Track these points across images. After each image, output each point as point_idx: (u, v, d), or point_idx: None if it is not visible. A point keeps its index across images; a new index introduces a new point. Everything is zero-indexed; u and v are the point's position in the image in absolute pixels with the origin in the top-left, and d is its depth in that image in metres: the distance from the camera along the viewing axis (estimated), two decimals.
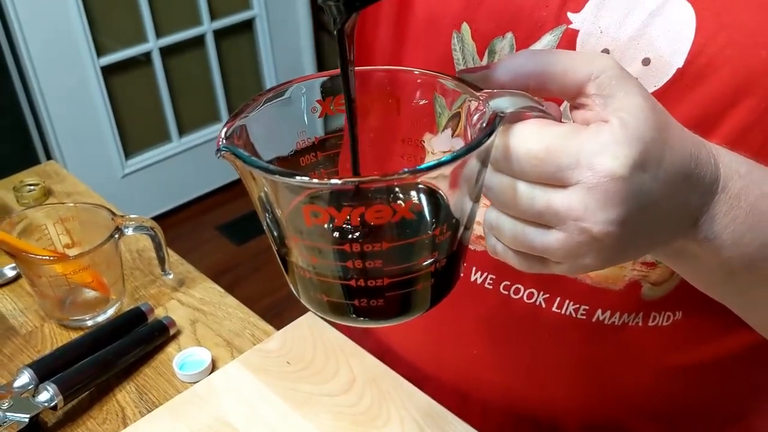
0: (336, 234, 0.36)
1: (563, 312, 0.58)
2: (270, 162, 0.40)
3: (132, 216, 0.78)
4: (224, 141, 0.36)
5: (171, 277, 0.83)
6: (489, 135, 0.34)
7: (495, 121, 0.34)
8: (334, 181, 0.34)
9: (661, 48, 0.49)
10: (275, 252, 0.40)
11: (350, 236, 0.35)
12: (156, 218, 0.78)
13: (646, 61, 0.50)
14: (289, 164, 0.42)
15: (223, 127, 0.38)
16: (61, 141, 2.15)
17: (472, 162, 0.35)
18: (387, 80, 0.42)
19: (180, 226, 2.32)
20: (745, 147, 0.48)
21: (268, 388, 0.69)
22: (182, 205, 2.52)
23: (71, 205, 0.82)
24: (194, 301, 0.82)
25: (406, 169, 0.32)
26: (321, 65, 2.77)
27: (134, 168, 2.38)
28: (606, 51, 0.51)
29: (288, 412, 0.66)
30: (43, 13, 1.96)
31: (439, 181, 0.35)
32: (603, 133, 0.35)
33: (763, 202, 0.41)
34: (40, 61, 2.00)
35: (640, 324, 0.57)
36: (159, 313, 0.79)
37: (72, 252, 0.79)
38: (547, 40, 0.53)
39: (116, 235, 0.76)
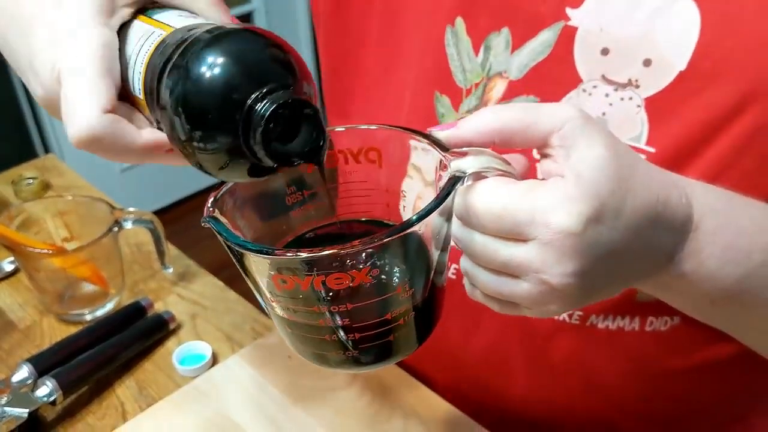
0: (305, 298, 0.38)
1: (557, 317, 0.57)
2: (264, 217, 0.43)
3: (131, 209, 0.77)
4: (209, 209, 0.39)
5: (171, 271, 0.82)
6: (440, 202, 0.36)
7: (449, 187, 0.37)
8: (293, 254, 0.36)
9: (664, 49, 0.48)
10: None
11: (319, 299, 0.38)
12: (155, 213, 0.77)
13: (647, 62, 0.49)
14: (282, 219, 0.44)
15: (211, 196, 0.40)
16: (60, 135, 2.14)
17: (432, 221, 0.37)
18: (370, 138, 0.43)
19: (179, 222, 2.31)
20: (752, 154, 0.48)
21: (270, 382, 0.68)
22: (181, 200, 2.51)
23: (70, 198, 0.81)
24: (194, 295, 0.81)
25: (357, 242, 0.34)
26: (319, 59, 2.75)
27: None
28: (606, 50, 0.50)
29: (289, 406, 0.66)
30: None
31: (402, 239, 0.37)
32: (558, 189, 0.36)
33: (739, 239, 0.42)
34: None
35: (637, 329, 0.56)
36: (159, 307, 0.79)
37: (71, 245, 0.78)
38: (545, 36, 0.52)
39: (115, 229, 0.75)
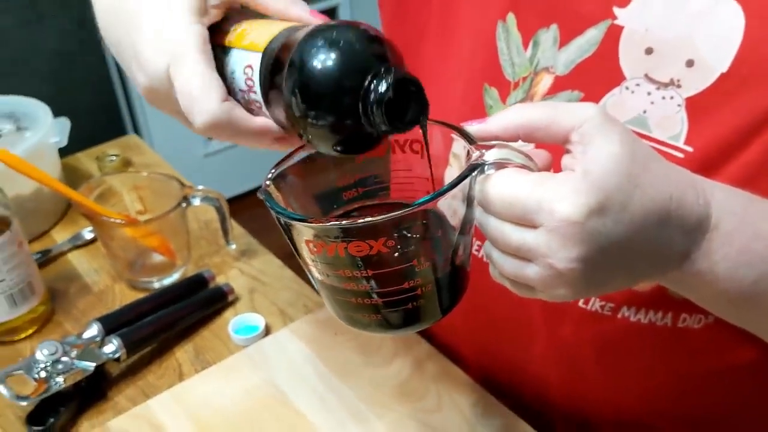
0: (333, 262, 0.43)
1: (589, 307, 0.58)
2: (317, 196, 0.49)
3: (200, 187, 0.83)
4: (266, 184, 0.44)
5: (234, 247, 0.87)
6: (454, 185, 0.40)
7: (467, 172, 0.40)
8: (322, 223, 0.43)
9: (706, 51, 0.49)
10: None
11: (345, 264, 0.42)
12: (232, 199, 0.82)
13: (689, 63, 0.50)
14: (334, 199, 0.50)
15: (269, 173, 0.45)
16: (150, 117, 2.25)
17: (449, 202, 0.41)
18: (417, 130, 0.47)
19: (254, 208, 2.39)
20: None
21: (316, 354, 0.72)
22: (254, 189, 2.59)
23: (145, 174, 0.87)
24: (254, 271, 0.86)
25: (376, 215, 0.39)
26: None
27: (216, 148, 2.46)
28: (650, 50, 0.51)
29: (331, 378, 0.69)
30: None
31: (423, 216, 0.43)
32: (566, 181, 0.39)
33: (756, 242, 0.43)
34: None
35: (669, 324, 0.57)
36: (220, 280, 0.83)
37: (143, 218, 0.84)
38: (591, 34, 0.53)
39: (183, 204, 0.80)
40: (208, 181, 0.91)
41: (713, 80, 0.49)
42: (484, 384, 0.68)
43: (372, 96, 0.40)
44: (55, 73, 2.04)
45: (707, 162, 0.50)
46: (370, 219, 0.39)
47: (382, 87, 0.39)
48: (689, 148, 0.51)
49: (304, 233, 0.42)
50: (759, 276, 0.44)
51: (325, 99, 0.41)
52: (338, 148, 0.43)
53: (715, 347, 0.58)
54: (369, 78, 0.40)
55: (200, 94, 0.45)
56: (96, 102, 2.17)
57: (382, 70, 0.40)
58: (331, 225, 0.41)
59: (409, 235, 0.42)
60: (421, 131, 0.44)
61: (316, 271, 0.45)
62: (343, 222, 0.40)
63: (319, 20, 0.48)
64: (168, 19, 0.47)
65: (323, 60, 0.40)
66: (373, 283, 0.42)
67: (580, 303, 0.58)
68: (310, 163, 0.48)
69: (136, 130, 2.26)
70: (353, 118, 0.41)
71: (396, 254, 0.41)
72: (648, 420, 0.64)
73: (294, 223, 0.41)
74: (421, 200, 0.39)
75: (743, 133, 0.49)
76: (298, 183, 0.48)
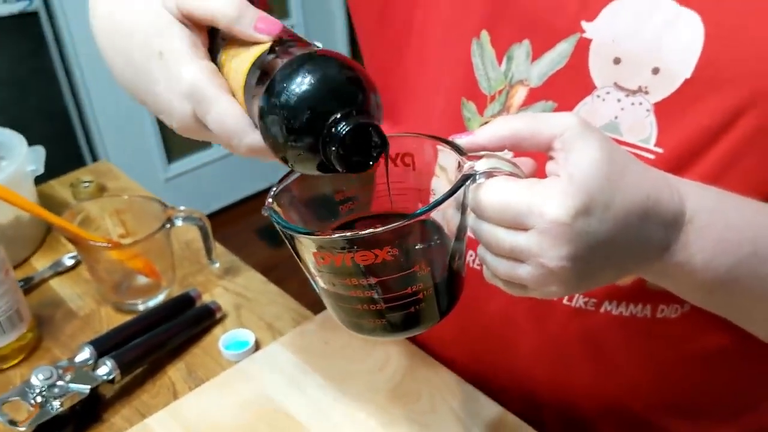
0: (340, 272, 0.45)
1: (573, 304, 0.61)
2: (315, 210, 0.52)
3: (182, 208, 0.84)
4: (269, 201, 0.47)
5: (217, 266, 0.88)
6: (449, 196, 0.43)
7: (459, 183, 0.43)
8: (328, 235, 0.44)
9: (670, 59, 0.53)
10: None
11: (350, 273, 0.45)
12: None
13: (655, 71, 0.54)
14: (331, 212, 0.53)
15: (272, 189, 0.48)
16: (108, 145, 2.24)
17: (445, 211, 0.44)
18: (405, 144, 0.50)
19: (220, 229, 2.39)
20: (752, 154, 0.52)
21: (308, 365, 0.74)
22: (222, 209, 2.59)
23: (125, 198, 0.88)
24: (238, 288, 0.87)
25: (378, 227, 0.42)
26: None
27: (176, 172, 2.46)
28: (618, 59, 0.55)
29: (325, 386, 0.71)
30: None
31: (422, 225, 0.45)
32: (553, 186, 0.42)
33: (728, 233, 0.48)
34: (89, 69, 2.09)
35: (649, 315, 0.60)
36: (206, 298, 0.85)
37: (126, 241, 0.85)
38: (562, 47, 0.57)
39: (167, 225, 0.82)
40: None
41: (678, 86, 0.53)
42: (473, 383, 0.71)
43: (329, 141, 0.42)
44: (6, 102, 2.02)
45: (677, 162, 0.54)
46: (374, 229, 0.41)
47: (340, 133, 0.42)
48: (660, 150, 0.55)
49: (310, 246, 0.45)
50: (733, 264, 0.48)
51: (289, 137, 0.43)
52: (315, 173, 0.45)
53: (692, 334, 0.62)
54: (328, 123, 0.42)
55: (234, 131, 0.47)
56: (54, 132, 2.14)
57: (341, 116, 0.42)
58: (338, 237, 0.43)
59: (410, 243, 0.45)
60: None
61: (321, 281, 0.47)
62: (349, 234, 0.42)
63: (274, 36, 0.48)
64: (174, 63, 0.48)
65: (288, 99, 0.42)
66: (377, 289, 0.45)
67: (565, 300, 0.61)
68: (307, 180, 0.50)
69: (94, 158, 2.24)
70: (316, 155, 0.43)
71: (399, 262, 0.44)
72: (632, 408, 0.67)
73: (302, 237, 0.44)
74: (421, 210, 0.42)
75: (709, 133, 0.53)
76: (297, 198, 0.51)
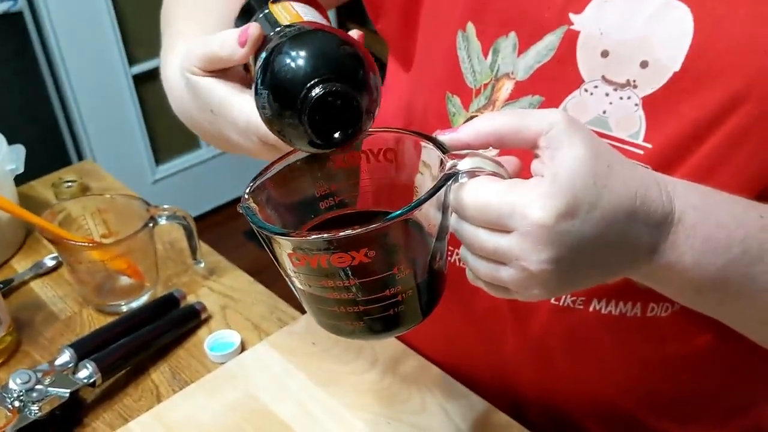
0: (316, 274, 0.44)
1: (561, 303, 0.60)
2: (294, 207, 0.50)
3: (165, 206, 0.82)
4: (245, 198, 0.46)
5: (202, 265, 0.87)
6: (430, 196, 0.41)
7: (441, 182, 0.42)
8: (303, 236, 0.43)
9: (659, 52, 0.52)
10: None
11: (327, 275, 0.43)
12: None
13: (644, 64, 0.53)
14: (305, 210, 0.51)
15: (247, 186, 0.46)
16: (95, 147, 2.21)
17: (426, 211, 0.43)
18: (388, 140, 0.49)
19: (208, 232, 2.37)
20: (743, 150, 0.51)
21: (295, 366, 0.72)
22: (210, 211, 2.57)
23: (108, 196, 0.86)
24: (224, 288, 0.86)
25: (355, 228, 0.40)
26: None
27: (164, 174, 2.44)
28: (605, 52, 0.54)
29: (313, 387, 0.70)
30: (79, 26, 2.03)
31: (402, 225, 0.43)
32: (536, 186, 0.41)
33: (718, 232, 0.46)
34: (74, 70, 2.07)
35: (639, 314, 0.59)
36: (190, 299, 0.83)
37: (108, 241, 0.83)
38: (549, 39, 0.56)
39: (150, 224, 0.80)
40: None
41: (667, 79, 0.52)
42: (459, 381, 0.69)
43: (303, 105, 0.42)
44: None
45: (666, 157, 0.53)
46: (351, 231, 0.40)
47: (313, 97, 0.42)
48: (648, 145, 0.54)
49: (285, 246, 0.43)
50: (723, 263, 0.46)
51: (273, 106, 0.44)
52: (309, 149, 0.45)
53: (682, 333, 0.60)
54: (307, 87, 0.42)
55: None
56: (39, 135, 2.12)
57: (318, 80, 0.42)
58: (312, 238, 0.42)
59: (388, 244, 0.44)
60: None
61: (298, 282, 0.45)
62: (324, 235, 0.40)
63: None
64: (223, 112, 0.53)
65: (273, 68, 0.43)
66: (355, 291, 0.43)
67: (551, 299, 0.60)
68: (285, 175, 0.49)
69: (80, 157, 2.22)
70: (302, 126, 0.43)
71: (377, 263, 0.42)
72: (619, 407, 0.66)
73: (275, 237, 0.42)
74: (400, 211, 0.41)
75: (698, 128, 0.52)
76: (274, 195, 0.49)
